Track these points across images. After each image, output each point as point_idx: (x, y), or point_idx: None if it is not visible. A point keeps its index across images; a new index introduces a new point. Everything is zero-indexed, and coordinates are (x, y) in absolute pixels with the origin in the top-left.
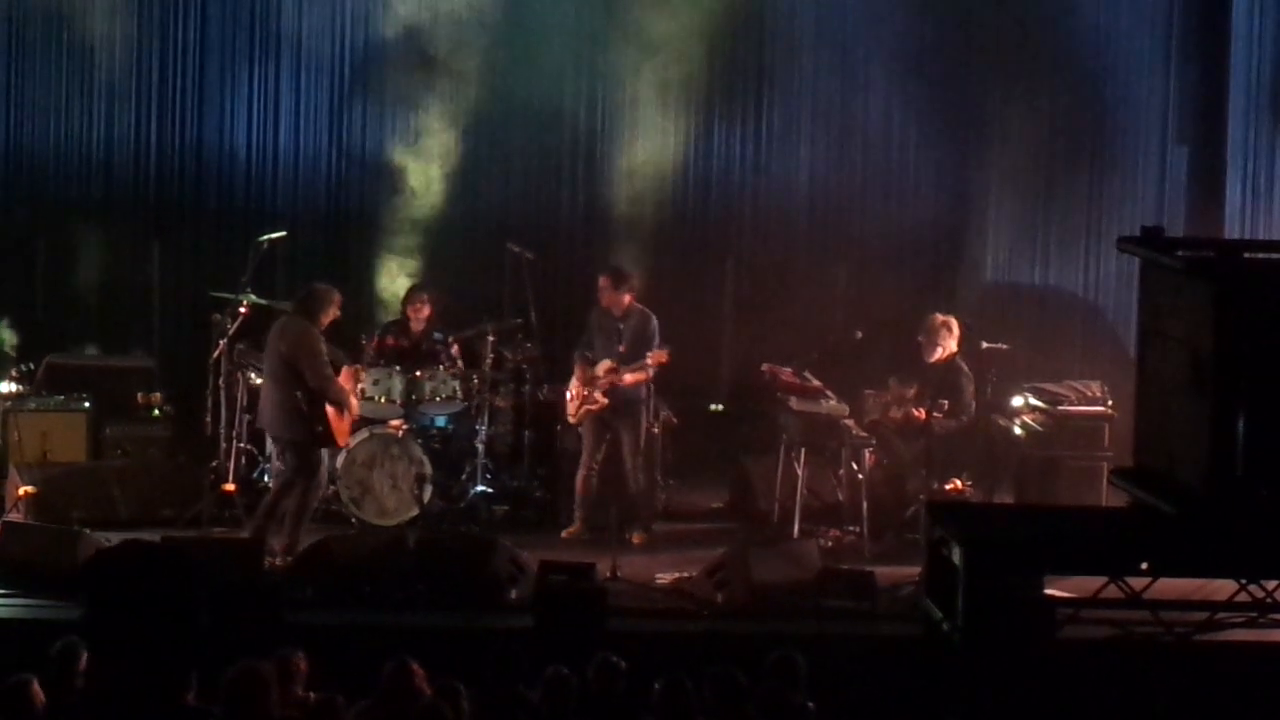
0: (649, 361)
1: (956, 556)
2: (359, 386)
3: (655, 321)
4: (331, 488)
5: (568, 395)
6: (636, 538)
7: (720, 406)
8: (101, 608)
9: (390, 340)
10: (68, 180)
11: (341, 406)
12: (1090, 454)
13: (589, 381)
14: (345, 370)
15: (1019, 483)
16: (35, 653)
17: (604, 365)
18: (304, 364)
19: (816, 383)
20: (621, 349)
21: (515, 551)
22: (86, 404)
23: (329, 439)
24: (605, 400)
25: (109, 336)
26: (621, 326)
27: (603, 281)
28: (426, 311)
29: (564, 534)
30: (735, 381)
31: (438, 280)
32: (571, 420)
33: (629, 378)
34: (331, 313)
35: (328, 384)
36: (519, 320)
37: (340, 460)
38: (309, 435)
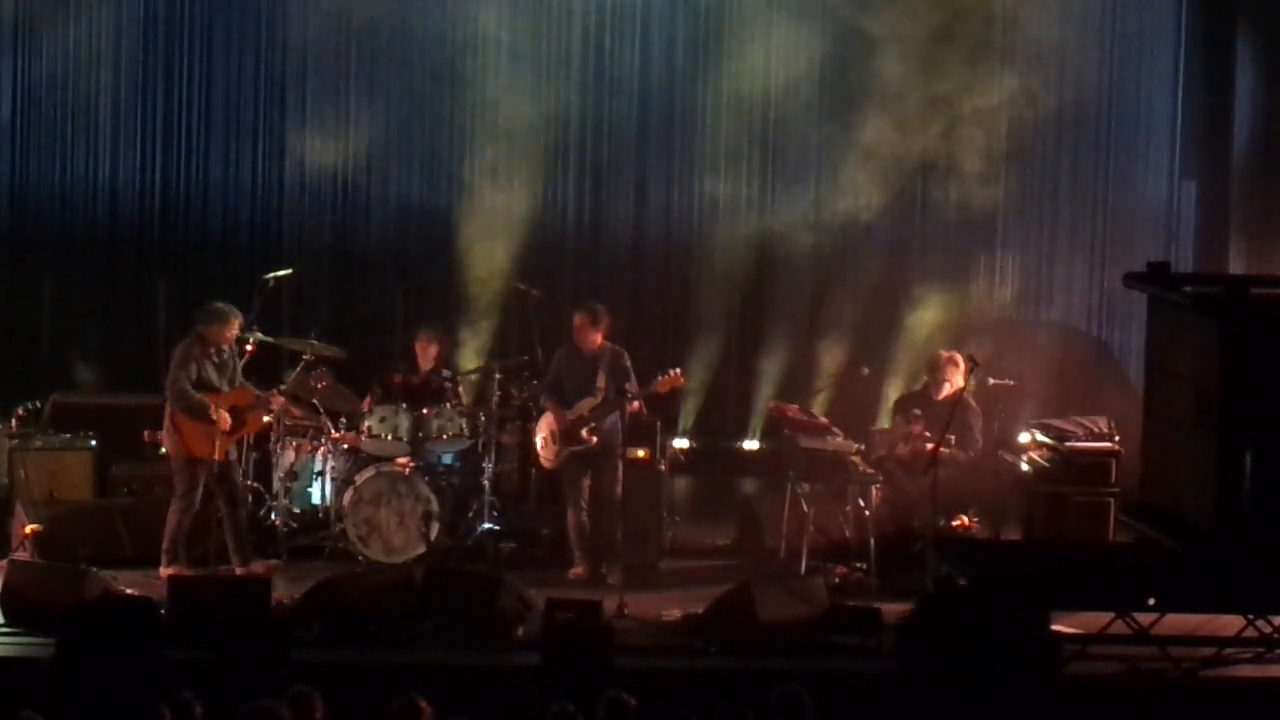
0: (659, 389)
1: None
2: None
3: (627, 356)
4: (338, 525)
5: (539, 440)
6: (615, 578)
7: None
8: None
9: (398, 378)
10: (73, 219)
11: (194, 416)
12: (1097, 490)
13: (569, 424)
14: (241, 391)
15: (1026, 519)
16: (39, 691)
17: (586, 404)
18: (170, 372)
19: (824, 419)
20: (601, 386)
21: (522, 589)
22: (93, 442)
23: (187, 449)
24: (595, 440)
25: (115, 375)
26: (596, 365)
27: (580, 320)
28: (434, 350)
29: (571, 575)
30: (743, 418)
31: (443, 317)
32: (549, 465)
33: (637, 405)
34: (220, 330)
35: (176, 391)
36: (525, 358)
37: (347, 497)
38: (173, 447)
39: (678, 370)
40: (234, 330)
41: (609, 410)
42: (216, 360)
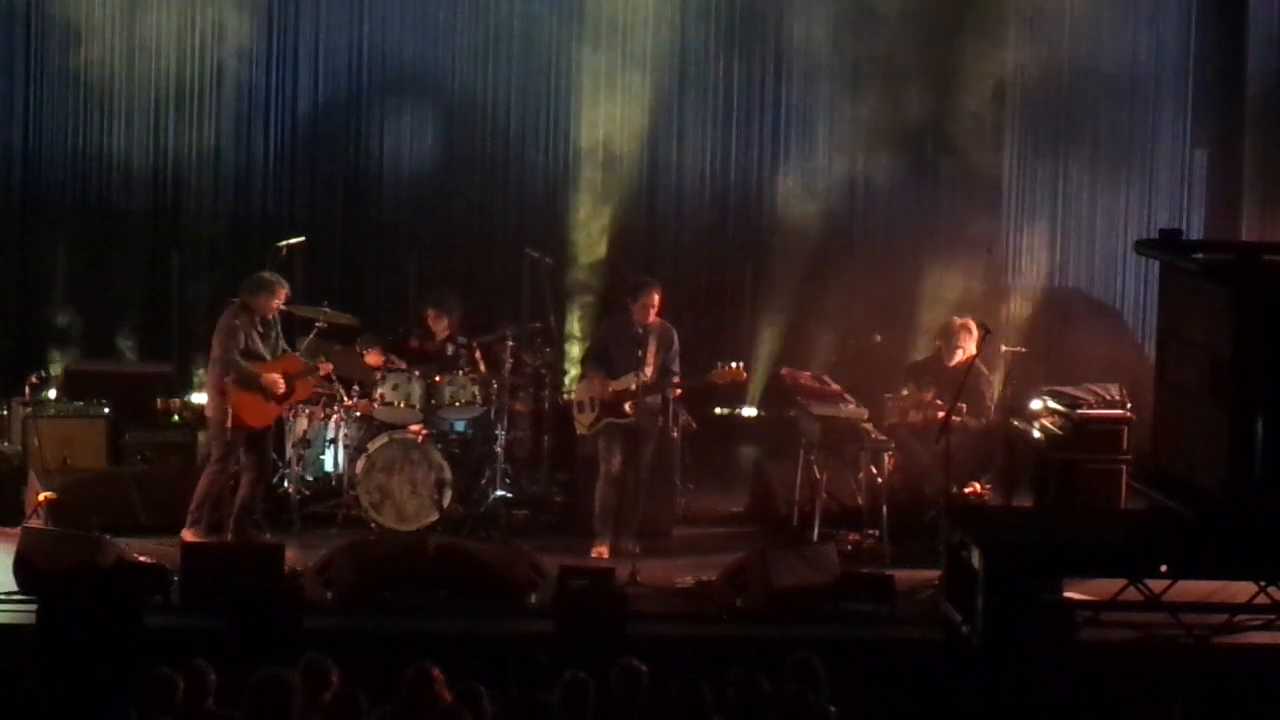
0: (716, 379)
1: (976, 560)
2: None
3: (677, 336)
4: (351, 493)
5: (576, 405)
6: (637, 547)
7: (755, 412)
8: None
9: (415, 342)
10: (87, 187)
11: (247, 385)
12: (1109, 457)
13: (613, 395)
14: (289, 359)
15: (1038, 486)
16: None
17: (631, 379)
18: (215, 341)
19: (836, 386)
20: (649, 361)
21: (535, 556)
22: (106, 410)
23: (239, 420)
24: (634, 414)
25: (129, 343)
26: (647, 339)
27: (656, 296)
28: (444, 323)
29: (593, 554)
30: (755, 386)
31: (456, 285)
32: (585, 432)
33: (680, 392)
34: (267, 300)
35: (224, 361)
36: (538, 325)
37: (360, 465)
38: (219, 414)
39: (739, 364)
40: (280, 300)
41: (655, 391)
42: (261, 330)
